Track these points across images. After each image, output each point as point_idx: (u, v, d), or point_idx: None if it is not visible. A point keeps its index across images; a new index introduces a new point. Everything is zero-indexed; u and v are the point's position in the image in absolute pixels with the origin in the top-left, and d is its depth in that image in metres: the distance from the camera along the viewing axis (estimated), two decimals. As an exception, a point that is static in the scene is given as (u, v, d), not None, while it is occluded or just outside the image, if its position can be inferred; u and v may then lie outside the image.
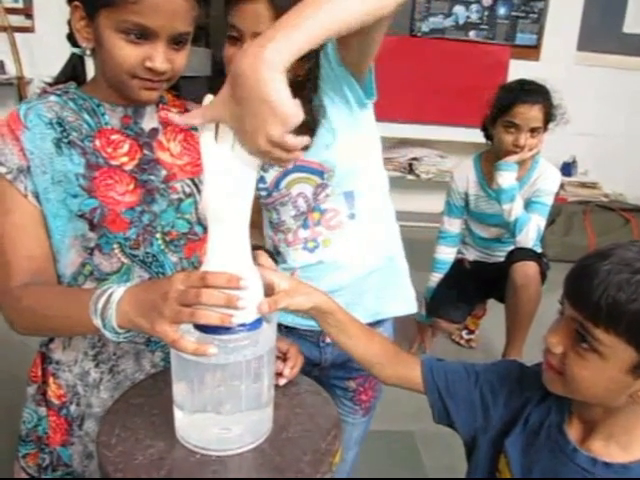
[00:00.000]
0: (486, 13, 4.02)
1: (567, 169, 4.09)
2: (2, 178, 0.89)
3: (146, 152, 0.97)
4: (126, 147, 0.96)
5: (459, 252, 2.53)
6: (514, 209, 2.18)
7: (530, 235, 2.19)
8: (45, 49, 2.81)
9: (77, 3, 0.88)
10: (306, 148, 1.05)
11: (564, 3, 3.99)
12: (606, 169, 4.15)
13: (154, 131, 0.99)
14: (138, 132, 0.97)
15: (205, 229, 0.99)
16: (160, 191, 0.97)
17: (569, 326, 0.79)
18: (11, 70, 3.64)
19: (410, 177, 4.08)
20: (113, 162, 0.94)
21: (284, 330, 1.13)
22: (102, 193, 0.92)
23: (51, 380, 1.01)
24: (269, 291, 0.82)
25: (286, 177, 1.11)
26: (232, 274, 0.72)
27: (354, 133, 1.10)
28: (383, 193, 1.21)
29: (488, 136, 2.36)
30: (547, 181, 2.29)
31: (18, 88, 3.57)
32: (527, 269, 2.16)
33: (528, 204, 2.25)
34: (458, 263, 2.51)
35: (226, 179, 0.73)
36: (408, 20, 3.96)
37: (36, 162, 0.90)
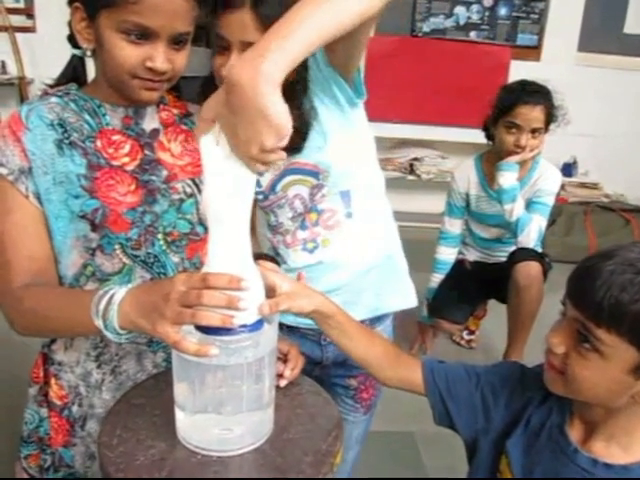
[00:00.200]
0: (487, 14, 4.02)
1: (568, 170, 4.08)
2: (3, 179, 0.89)
3: (147, 152, 0.97)
4: (127, 148, 0.96)
5: (460, 253, 2.53)
6: (515, 209, 2.18)
7: (532, 235, 2.19)
8: (46, 49, 2.80)
9: (77, 4, 0.88)
10: (299, 150, 1.06)
11: (565, 4, 3.98)
12: (607, 170, 4.14)
13: (155, 132, 0.99)
14: (139, 133, 0.97)
15: (206, 229, 0.98)
16: (161, 191, 0.97)
17: (571, 326, 0.79)
18: (12, 70, 3.65)
19: (411, 177, 4.08)
20: (114, 163, 0.94)
21: (285, 329, 1.13)
22: (103, 194, 0.92)
23: (53, 381, 1.01)
24: (270, 292, 0.82)
25: (282, 180, 1.12)
26: (233, 275, 0.72)
27: (347, 133, 1.10)
28: (380, 191, 1.21)
29: (489, 136, 2.36)
30: (548, 181, 2.29)
31: (19, 88, 3.57)
32: (530, 269, 2.15)
33: (529, 204, 2.25)
34: (459, 264, 2.50)
35: (226, 180, 0.72)
36: (409, 20, 3.94)
37: (37, 163, 0.90)
